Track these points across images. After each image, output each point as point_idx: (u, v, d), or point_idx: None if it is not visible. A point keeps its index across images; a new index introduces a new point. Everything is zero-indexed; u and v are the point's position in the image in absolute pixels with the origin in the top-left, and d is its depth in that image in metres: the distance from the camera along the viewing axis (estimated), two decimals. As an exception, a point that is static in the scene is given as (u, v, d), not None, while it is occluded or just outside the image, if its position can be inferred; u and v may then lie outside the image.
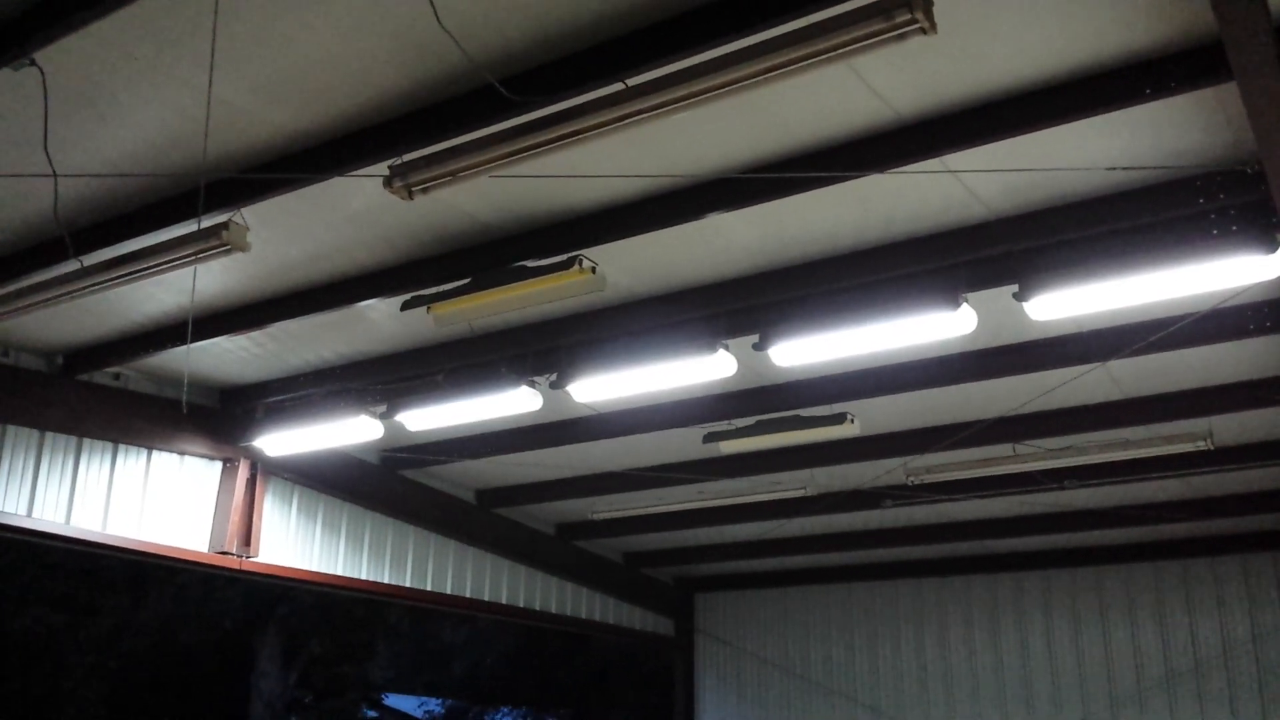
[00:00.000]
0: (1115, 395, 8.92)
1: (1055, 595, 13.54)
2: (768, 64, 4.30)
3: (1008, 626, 13.76)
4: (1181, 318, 7.11)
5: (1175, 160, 5.80)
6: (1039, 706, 13.33)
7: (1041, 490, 10.48)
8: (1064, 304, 6.55)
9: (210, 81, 5.09)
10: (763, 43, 4.29)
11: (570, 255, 6.67)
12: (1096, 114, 5.26)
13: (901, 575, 14.47)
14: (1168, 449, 9.34)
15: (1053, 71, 5.15)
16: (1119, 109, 5.22)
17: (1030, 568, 13.66)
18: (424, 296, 7.28)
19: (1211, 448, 9.20)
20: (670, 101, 4.55)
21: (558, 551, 13.87)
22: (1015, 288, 6.58)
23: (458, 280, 7.04)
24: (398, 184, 5.20)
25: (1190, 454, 9.40)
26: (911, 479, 10.53)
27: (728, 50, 4.44)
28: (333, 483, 10.98)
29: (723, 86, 4.44)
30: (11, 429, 8.61)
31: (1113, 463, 9.84)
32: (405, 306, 7.43)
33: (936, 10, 4.05)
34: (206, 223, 5.77)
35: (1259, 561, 12.49)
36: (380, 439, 9.55)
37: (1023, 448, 9.64)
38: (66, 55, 5.02)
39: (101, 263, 6.16)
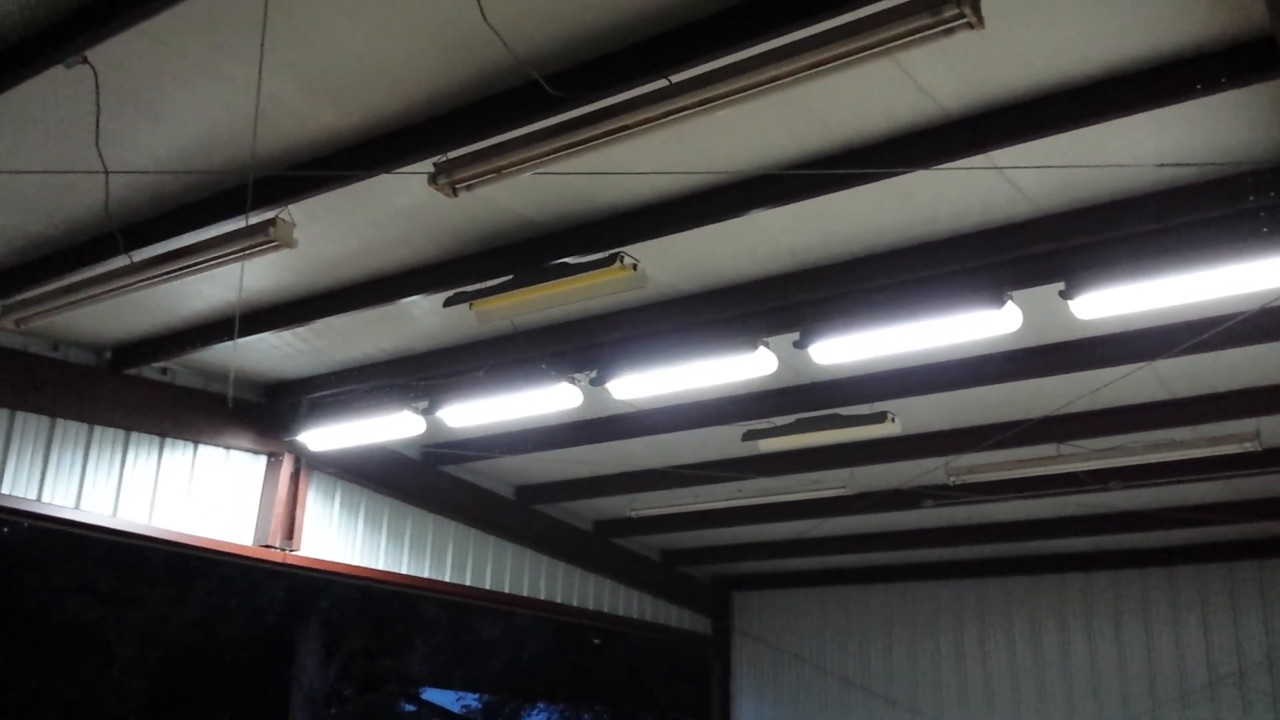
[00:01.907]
0: (1162, 395, 8.81)
1: (1097, 597, 13.38)
2: (812, 60, 4.29)
3: (1049, 629, 13.62)
4: (1230, 317, 7.01)
5: (1225, 157, 5.71)
6: (1080, 710, 13.19)
7: (1085, 491, 10.36)
8: (1111, 302, 6.48)
9: (259, 79, 5.15)
10: (807, 39, 4.28)
11: (612, 252, 6.68)
12: (1146, 110, 5.19)
13: (942, 576, 14.36)
14: (1215, 450, 9.21)
15: (1102, 67, 5.09)
16: (1169, 105, 5.15)
17: (1073, 569, 13.51)
18: (466, 293, 7.32)
19: (1259, 449, 9.07)
20: (714, 98, 4.54)
21: (596, 548, 13.90)
22: (1061, 286, 6.52)
23: (500, 277, 7.08)
24: (442, 181, 5.23)
25: (1237, 455, 9.26)
26: (953, 479, 10.45)
27: (771, 46, 4.43)
28: (375, 478, 11.08)
29: (767, 83, 4.43)
30: (60, 423, 8.76)
31: (1158, 464, 9.71)
32: (448, 303, 7.47)
33: (984, 4, 4.02)
34: (254, 219, 5.84)
35: (1307, 565, 12.29)
36: (422, 435, 9.62)
37: (1067, 448, 9.54)
38: (118, 53, 5.08)
39: (151, 259, 6.25)
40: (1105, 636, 13.23)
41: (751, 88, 4.47)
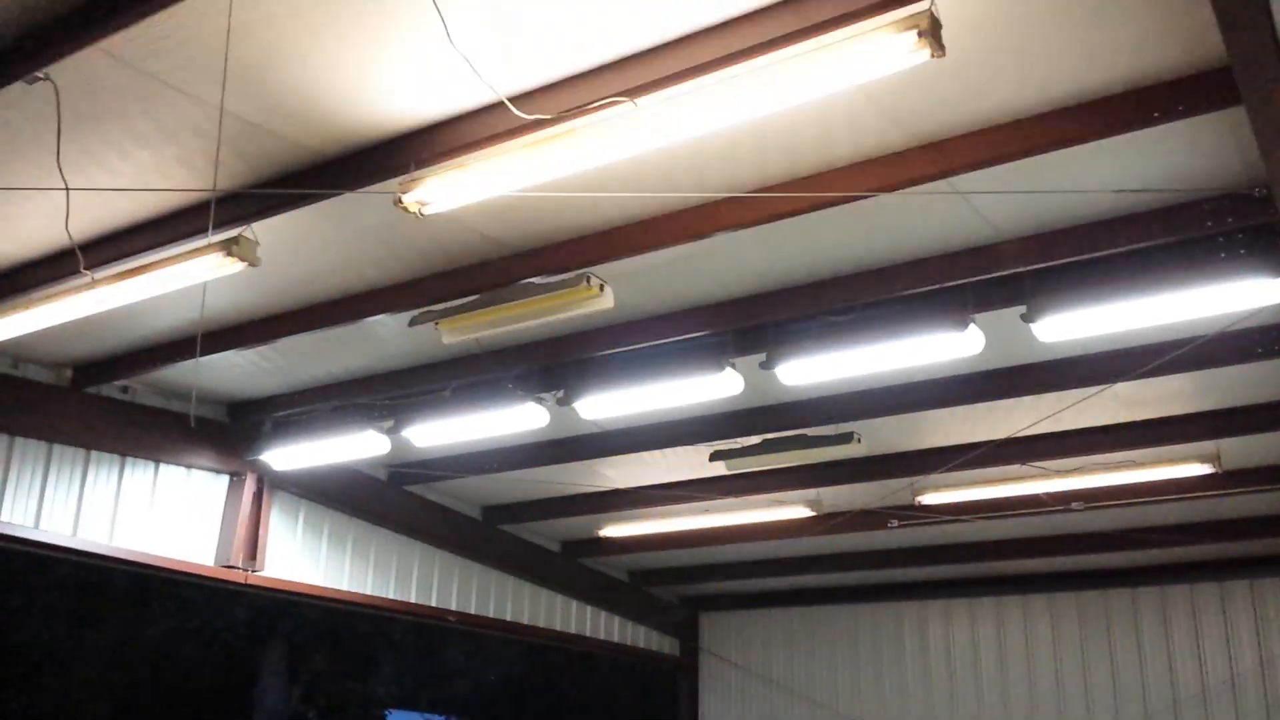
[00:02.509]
0: (1123, 417, 8.90)
1: (1061, 617, 13.46)
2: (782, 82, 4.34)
3: (1014, 648, 13.67)
4: (1190, 340, 7.10)
5: (1184, 184, 5.80)
6: (1045, 730, 13.24)
7: (1048, 512, 10.45)
8: (1072, 326, 6.56)
9: (222, 98, 5.12)
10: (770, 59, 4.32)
11: (578, 272, 6.69)
12: (1106, 137, 5.25)
13: (908, 596, 14.40)
14: (1175, 472, 9.33)
15: (1062, 95, 5.16)
16: (1128, 132, 5.23)
17: (1037, 590, 13.59)
18: (432, 312, 7.30)
19: (1219, 470, 9.18)
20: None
21: (563, 569, 13.84)
22: (1023, 309, 6.59)
23: (466, 297, 7.06)
24: (407, 201, 5.22)
25: (1198, 477, 9.38)
26: (918, 499, 10.51)
27: (737, 69, 4.47)
28: (339, 498, 10.99)
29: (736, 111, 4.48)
30: (20, 441, 8.65)
31: (1120, 485, 9.80)
32: (413, 322, 7.45)
33: (947, 34, 4.07)
34: (216, 237, 5.81)
35: (1267, 586, 12.41)
36: (387, 454, 9.56)
37: (1030, 469, 9.61)
38: (80, 70, 5.05)
39: (111, 275, 6.20)
40: (1070, 656, 13.30)
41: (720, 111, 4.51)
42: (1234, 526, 11.25)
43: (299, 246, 6.82)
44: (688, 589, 15.61)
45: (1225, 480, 9.60)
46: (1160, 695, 12.64)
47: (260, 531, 10.11)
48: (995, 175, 5.62)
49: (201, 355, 8.16)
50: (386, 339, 8.23)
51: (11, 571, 19.87)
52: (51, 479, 8.82)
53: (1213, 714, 12.30)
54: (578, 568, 14.07)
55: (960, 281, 6.66)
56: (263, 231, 6.13)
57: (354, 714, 25.59)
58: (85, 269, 6.31)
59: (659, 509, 11.57)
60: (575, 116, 4.91)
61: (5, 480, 8.52)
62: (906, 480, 10.19)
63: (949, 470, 9.48)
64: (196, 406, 9.77)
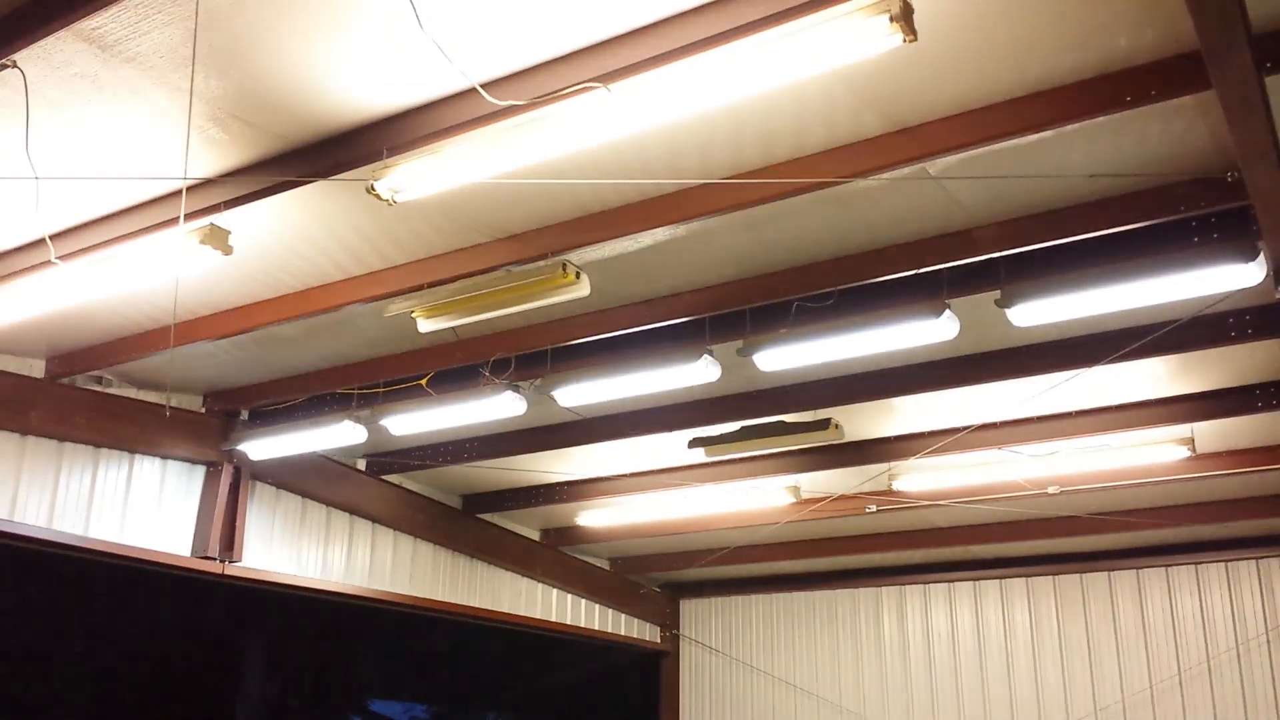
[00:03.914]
0: (1098, 401, 8.95)
1: (1040, 600, 13.56)
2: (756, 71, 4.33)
3: (992, 630, 13.77)
4: (1164, 324, 7.15)
5: (1156, 168, 5.82)
6: (1022, 712, 13.34)
7: (1025, 496, 10.51)
8: (1047, 310, 6.58)
9: (192, 85, 5.08)
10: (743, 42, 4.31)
11: (555, 259, 6.67)
12: (1078, 121, 5.27)
13: (886, 580, 14.48)
14: (1150, 455, 9.40)
15: (1035, 79, 5.17)
16: (1100, 116, 5.24)
17: (1015, 573, 13.68)
18: (409, 301, 7.27)
19: (1194, 453, 9.26)
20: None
21: (543, 557, 13.84)
22: (998, 294, 6.61)
23: (442, 285, 7.03)
24: (380, 188, 5.20)
25: (1173, 461, 9.45)
26: (896, 484, 10.56)
27: (710, 53, 4.46)
28: (317, 488, 10.95)
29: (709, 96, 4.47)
30: (-7, 433, 8.58)
31: (1096, 469, 9.87)
32: (390, 311, 7.42)
33: (919, 19, 4.07)
34: (189, 226, 5.76)
35: (1242, 568, 12.53)
36: (364, 444, 9.53)
37: (1007, 453, 9.67)
38: (49, 56, 4.99)
39: (83, 265, 6.15)
40: (1048, 638, 13.40)
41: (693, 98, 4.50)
42: (1209, 509, 11.35)
43: (272, 235, 6.77)
44: (668, 576, 15.64)
45: (1200, 463, 9.68)
46: (1137, 676, 12.74)
47: (237, 522, 10.06)
48: (970, 160, 5.63)
49: (176, 345, 8.11)
50: (363, 328, 8.20)
51: (-12, 565, 19.74)
52: (25, 471, 8.74)
53: (1189, 694, 12.42)
54: (558, 556, 14.08)
55: (936, 267, 6.67)
56: (235, 220, 6.09)
57: (336, 704, 25.57)
58: (56, 259, 6.25)
59: (639, 496, 11.58)
60: (548, 103, 4.89)
61: (-22, 473, 8.46)
62: (884, 465, 10.23)
63: (927, 455, 9.53)
64: (172, 397, 9.70)
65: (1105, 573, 13.19)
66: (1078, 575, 13.36)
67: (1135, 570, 13.02)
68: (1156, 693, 12.58)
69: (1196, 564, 12.70)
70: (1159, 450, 9.34)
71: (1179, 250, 6.19)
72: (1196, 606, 12.67)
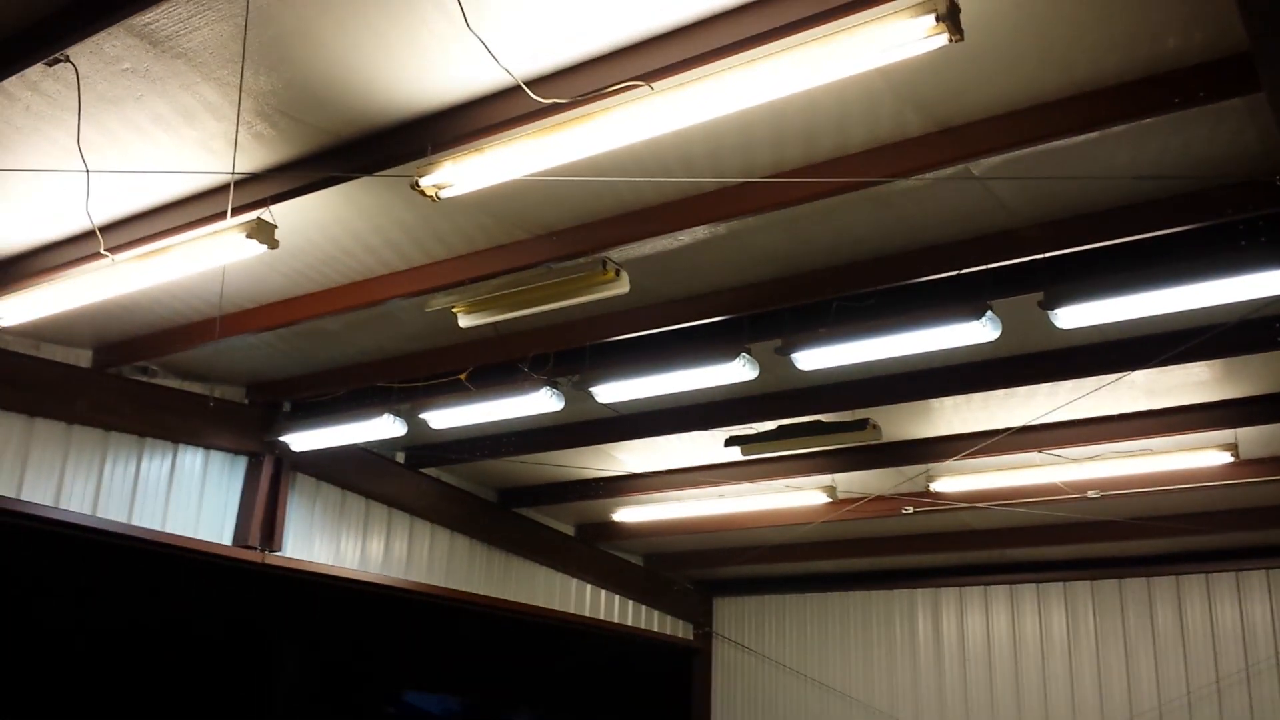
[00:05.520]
0: (1141, 405, 8.87)
1: (1077, 604, 13.44)
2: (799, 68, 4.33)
3: (1028, 634, 13.66)
4: (1209, 329, 7.07)
5: (1203, 170, 5.76)
6: (1056, 717, 13.22)
7: (1065, 500, 10.42)
8: (1090, 313, 6.53)
9: (241, 80, 5.14)
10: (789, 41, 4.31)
11: (595, 257, 6.70)
12: (1125, 123, 5.23)
13: (922, 582, 14.40)
14: (1193, 460, 9.29)
15: (1082, 79, 5.12)
16: (1148, 118, 5.20)
17: (1051, 577, 13.56)
18: (450, 296, 7.32)
19: (1237, 459, 9.14)
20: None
21: (578, 553, 13.89)
22: (1041, 296, 6.56)
23: (483, 281, 7.08)
24: (425, 184, 5.24)
25: (1215, 466, 9.34)
26: (933, 486, 10.50)
27: (753, 52, 4.47)
28: (356, 480, 11.06)
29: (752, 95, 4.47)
30: (40, 421, 8.72)
31: (1137, 474, 9.78)
32: (431, 306, 7.47)
33: (967, 19, 4.06)
34: (236, 220, 5.84)
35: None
36: (404, 437, 9.60)
37: (1046, 456, 9.59)
38: (101, 52, 5.08)
39: (131, 257, 6.24)
40: (1084, 643, 13.28)
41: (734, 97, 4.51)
42: (1251, 515, 11.20)
43: (317, 229, 6.84)
44: (702, 573, 15.64)
45: (1243, 469, 9.55)
46: (1175, 684, 12.60)
47: (278, 512, 10.18)
48: (1013, 160, 5.60)
49: (220, 337, 8.22)
50: (405, 322, 8.26)
51: (31, 550, 20.06)
52: (71, 459, 8.89)
53: (1227, 703, 12.27)
54: (593, 551, 14.12)
55: (978, 268, 6.63)
56: (281, 214, 6.17)
57: (371, 694, 25.77)
58: (106, 251, 6.36)
59: (674, 494, 11.59)
60: (591, 100, 4.91)
61: (26, 460, 8.60)
62: (922, 467, 10.17)
63: (965, 457, 9.47)
64: (216, 388, 9.83)
65: (1144, 579, 13.05)
66: (1116, 580, 13.22)
67: (1175, 576, 12.86)
68: (1194, 700, 12.43)
69: (1238, 571, 12.53)
70: (1201, 455, 9.23)
71: (1225, 254, 6.12)
72: (1237, 614, 12.50)
